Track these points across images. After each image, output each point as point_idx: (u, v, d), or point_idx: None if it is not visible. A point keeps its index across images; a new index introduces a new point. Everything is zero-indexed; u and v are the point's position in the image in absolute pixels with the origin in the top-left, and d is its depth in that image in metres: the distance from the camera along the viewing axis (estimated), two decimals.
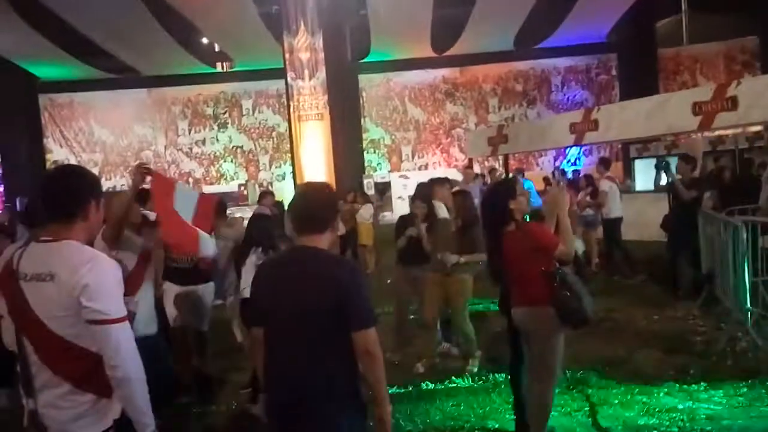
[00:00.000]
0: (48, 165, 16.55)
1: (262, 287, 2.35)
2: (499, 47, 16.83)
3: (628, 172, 13.51)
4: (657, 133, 7.90)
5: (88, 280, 1.95)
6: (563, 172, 8.30)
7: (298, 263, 2.27)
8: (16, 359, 2.82)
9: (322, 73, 13.14)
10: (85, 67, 15.44)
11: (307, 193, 2.43)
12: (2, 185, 15.75)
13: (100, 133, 17.38)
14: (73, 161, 16.71)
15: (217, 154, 17.85)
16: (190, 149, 17.77)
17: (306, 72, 13.11)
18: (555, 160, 17.16)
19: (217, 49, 16.10)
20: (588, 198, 8.23)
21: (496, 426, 3.75)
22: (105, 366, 1.97)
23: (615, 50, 17.09)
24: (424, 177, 11.59)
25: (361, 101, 17.30)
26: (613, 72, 17.58)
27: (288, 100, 13.52)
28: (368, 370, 2.19)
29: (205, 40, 15.70)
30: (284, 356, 2.24)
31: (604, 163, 8.71)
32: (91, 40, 14.18)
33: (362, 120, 17.27)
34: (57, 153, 17.07)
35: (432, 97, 17.91)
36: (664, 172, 6.71)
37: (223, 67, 17.15)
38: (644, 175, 11.37)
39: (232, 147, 17.87)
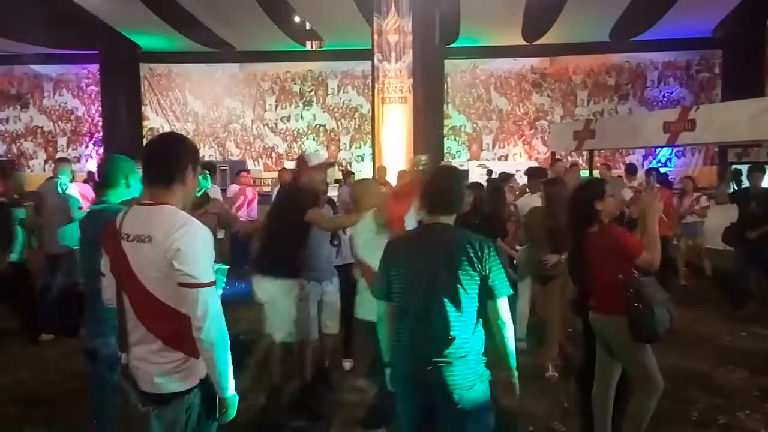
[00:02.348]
0: (144, 132, 17.41)
1: (394, 263, 2.49)
2: (593, 38, 16.17)
3: (724, 177, 12.75)
4: (762, 137, 7.42)
5: (180, 244, 2.06)
6: (659, 174, 7.87)
7: (433, 239, 2.42)
8: (80, 311, 3.01)
9: (408, 57, 13.10)
10: (183, 39, 16.07)
11: (440, 175, 2.59)
12: (102, 148, 16.73)
13: (193, 104, 18.12)
14: (167, 129, 17.56)
15: (301, 131, 18.22)
16: (275, 125, 18.23)
17: (393, 54, 13.11)
18: (644, 159, 16.41)
19: (308, 28, 16.34)
20: (696, 206, 7.81)
21: (564, 430, 3.68)
22: (193, 328, 2.08)
23: (720, 47, 16.03)
24: (504, 168, 11.32)
25: (445, 87, 17.13)
26: (716, 70, 16.53)
27: (373, 81, 13.57)
28: (501, 336, 2.38)
29: (297, 19, 15.97)
30: (418, 328, 2.38)
31: (630, 170, 8.23)
32: (191, 13, 14.74)
33: (445, 106, 17.11)
34: (153, 121, 17.94)
35: (518, 86, 17.50)
36: (733, 180, 6.37)
37: (312, 46, 17.40)
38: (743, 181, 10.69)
39: (316, 125, 18.19)
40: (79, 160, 17.00)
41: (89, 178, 9.47)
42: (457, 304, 2.31)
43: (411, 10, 13.01)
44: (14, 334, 5.96)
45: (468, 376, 2.32)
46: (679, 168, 14.54)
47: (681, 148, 15.27)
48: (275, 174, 15.12)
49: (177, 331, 2.11)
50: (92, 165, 15.83)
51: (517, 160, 16.54)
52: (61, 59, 17.19)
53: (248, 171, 9.78)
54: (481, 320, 2.39)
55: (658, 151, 15.95)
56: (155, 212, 2.16)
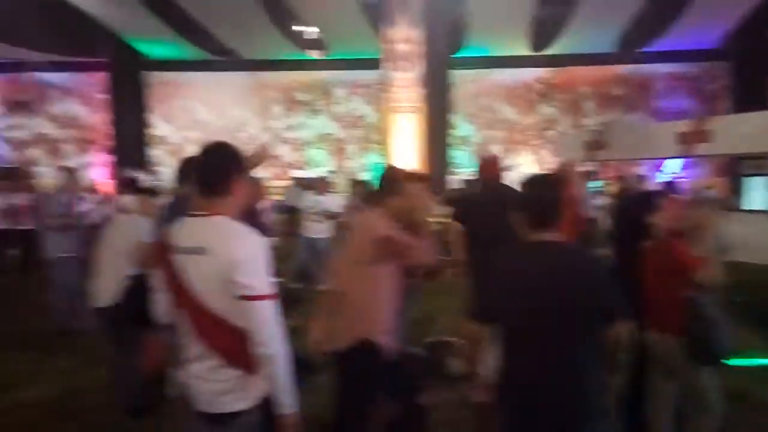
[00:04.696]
0: (150, 140, 17.36)
1: (499, 281, 2.26)
2: (600, 49, 16.22)
3: (736, 188, 12.72)
4: None
5: (238, 255, 2.00)
6: (674, 186, 7.83)
7: (543, 258, 2.16)
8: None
9: (418, 66, 13.11)
10: (191, 47, 16.08)
11: (538, 186, 2.31)
12: (109, 156, 16.67)
13: (200, 113, 18.09)
14: (174, 138, 17.54)
15: (307, 140, 18.20)
16: (282, 134, 18.21)
17: (402, 64, 13.12)
18: (654, 170, 16.40)
19: (315, 37, 16.36)
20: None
21: None
22: (251, 343, 2.02)
23: (727, 58, 16.08)
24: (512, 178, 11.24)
25: (452, 97, 17.14)
26: (723, 81, 16.57)
27: (381, 91, 13.57)
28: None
29: (304, 28, 15.99)
30: (528, 354, 2.16)
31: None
32: (198, 21, 14.75)
33: (451, 116, 17.12)
34: (161, 129, 17.90)
35: (525, 96, 17.52)
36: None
37: (319, 55, 17.42)
38: (756, 193, 10.67)
39: (322, 134, 18.17)
40: (84, 168, 16.96)
41: (122, 183, 9.28)
42: (574, 328, 2.09)
43: (420, 20, 13.04)
44: (32, 343, 5.92)
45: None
46: (688, 179, 14.51)
47: (689, 160, 15.25)
48: (282, 183, 15.10)
49: (234, 347, 2.04)
50: (97, 173, 15.76)
51: (525, 171, 16.52)
52: (69, 67, 17.17)
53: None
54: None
55: (665, 162, 15.95)
56: (209, 224, 2.09)
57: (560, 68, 17.13)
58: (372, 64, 14.12)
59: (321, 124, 18.17)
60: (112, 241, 4.20)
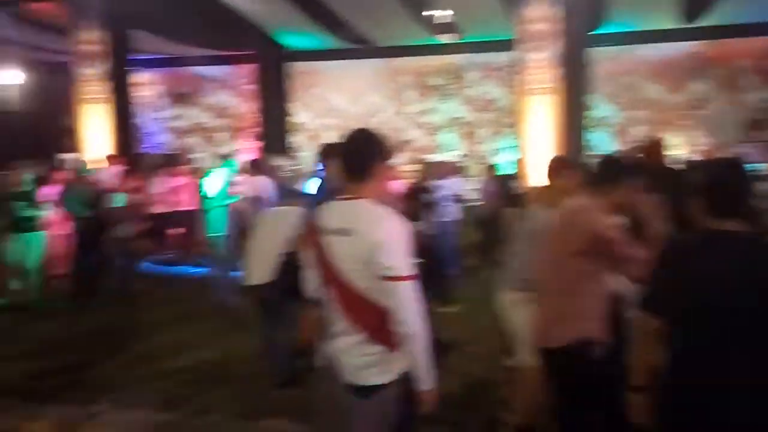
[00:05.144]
0: (291, 128, 18.40)
1: (679, 272, 2.07)
2: (761, 18, 14.60)
3: None
4: None
5: (380, 236, 2.14)
6: None
7: (733, 250, 1.99)
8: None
9: (554, 46, 12.65)
10: (327, 37, 16.74)
11: (723, 171, 2.10)
12: (259, 143, 17.90)
13: (336, 100, 18.83)
14: (313, 125, 18.46)
15: (439, 124, 18.29)
16: (415, 118, 18.46)
17: (537, 44, 12.73)
18: None
19: (447, 21, 16.31)
20: None
21: None
22: (393, 321, 2.17)
23: None
24: None
25: (590, 76, 16.34)
26: None
27: (515, 73, 13.27)
28: None
29: (436, 12, 15.99)
30: (712, 354, 1.98)
31: None
32: (336, 12, 15.31)
33: (589, 96, 16.34)
34: (300, 116, 18.89)
35: (673, 73, 16.27)
36: None
37: (451, 39, 17.36)
38: None
39: (454, 118, 18.18)
40: (236, 154, 18.36)
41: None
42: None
43: None
44: (194, 315, 6.64)
45: None
46: None
47: None
48: (413, 167, 15.34)
49: (377, 324, 2.20)
50: (248, 157, 16.98)
51: (675, 153, 15.39)
52: (222, 60, 18.61)
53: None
54: None
55: None
56: (354, 206, 2.25)
57: (714, 40, 15.67)
58: (505, 46, 13.84)
59: (452, 108, 18.16)
60: (265, 222, 4.62)
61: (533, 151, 12.32)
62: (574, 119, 13.46)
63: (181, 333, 6.17)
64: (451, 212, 8.07)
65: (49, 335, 6.21)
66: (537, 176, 8.23)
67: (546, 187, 3.68)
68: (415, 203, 6.16)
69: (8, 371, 5.19)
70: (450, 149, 17.85)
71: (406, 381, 2.23)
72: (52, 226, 7.98)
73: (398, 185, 8.89)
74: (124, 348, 5.73)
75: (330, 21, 15.78)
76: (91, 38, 12.69)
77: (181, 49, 17.35)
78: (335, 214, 2.30)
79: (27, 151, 12.81)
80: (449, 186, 8.19)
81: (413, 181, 7.65)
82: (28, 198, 7.15)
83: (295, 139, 18.52)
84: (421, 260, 2.42)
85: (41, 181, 8.21)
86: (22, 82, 21.64)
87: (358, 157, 2.28)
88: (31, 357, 5.55)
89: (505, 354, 4.08)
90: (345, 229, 2.21)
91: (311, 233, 2.37)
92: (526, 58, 12.84)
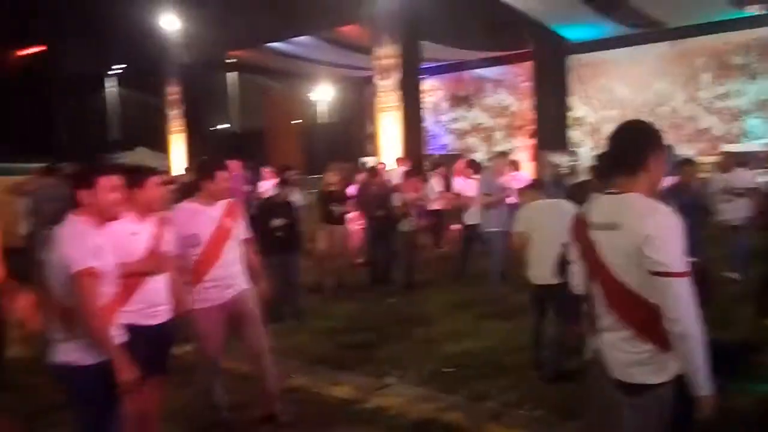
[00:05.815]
0: (569, 122, 17.95)
1: None
2: None
3: None
4: None
5: (650, 231, 2.05)
6: None
7: None
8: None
9: None
10: (611, 25, 15.87)
11: None
12: (533, 139, 17.94)
13: (618, 90, 17.77)
14: (592, 118, 17.73)
15: (742, 108, 15.95)
16: (711, 104, 16.41)
17: None
18: None
19: None
20: None
21: None
22: (664, 319, 2.07)
23: None
24: None
25: None
26: None
27: None
28: None
29: None
30: None
31: None
32: None
33: None
34: (579, 110, 18.31)
35: None
36: None
37: (761, 10, 14.97)
38: None
39: (763, 100, 15.66)
40: (513, 152, 18.63)
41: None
42: None
43: None
44: (474, 306, 7.03)
45: None
46: None
47: None
48: (709, 159, 13.65)
49: (647, 321, 2.12)
50: (523, 156, 17.09)
51: None
52: (499, 61, 19.08)
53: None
54: None
55: None
56: (623, 200, 2.20)
57: None
58: None
59: (761, 88, 15.64)
60: (542, 221, 4.73)
61: None
62: None
63: (456, 321, 6.59)
64: (732, 209, 7.09)
65: (351, 315, 7.18)
66: None
67: None
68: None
69: (321, 343, 6.16)
70: (757, 137, 15.42)
71: (682, 383, 2.11)
72: (352, 220, 9.22)
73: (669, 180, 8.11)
74: (409, 332, 6.35)
75: (614, 7, 14.94)
76: (387, 53, 14.18)
77: (462, 54, 18.28)
78: (604, 208, 2.28)
79: (337, 155, 15.02)
80: (727, 180, 7.20)
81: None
82: (337, 196, 8.35)
83: (574, 134, 18.00)
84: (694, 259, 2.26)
85: (346, 181, 9.52)
86: (332, 96, 25.29)
87: (628, 149, 2.23)
88: (336, 332, 6.49)
89: None
90: (613, 223, 2.18)
91: (579, 227, 2.39)
92: None
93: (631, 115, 17.51)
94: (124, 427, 3.03)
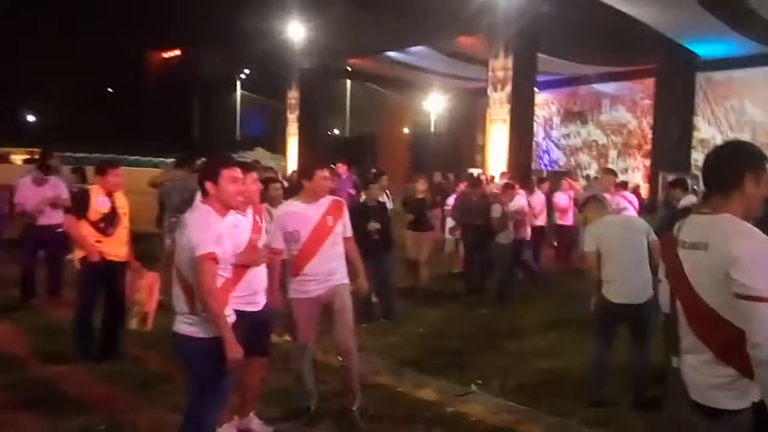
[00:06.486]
0: (694, 143, 16.92)
1: None
2: None
3: None
4: None
5: (738, 253, 2.00)
6: None
7: None
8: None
9: None
10: (748, 42, 14.82)
11: None
12: (650, 159, 17.10)
13: (751, 112, 16.50)
14: (718, 140, 16.57)
15: None
16: None
17: None
18: None
19: None
20: None
21: None
22: (747, 344, 2.00)
23: None
24: None
25: None
26: None
27: None
28: None
29: None
30: None
31: None
32: (756, 12, 13.44)
33: None
34: (704, 131, 17.20)
35: None
36: None
37: None
38: None
39: None
40: (626, 172, 17.81)
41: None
42: None
43: None
44: (558, 325, 6.88)
45: None
46: None
47: None
48: None
49: (729, 344, 2.06)
50: (638, 176, 16.35)
51: None
52: (618, 76, 18.35)
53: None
54: None
55: None
56: (713, 221, 2.16)
57: None
58: None
59: None
60: (617, 237, 4.59)
61: None
62: None
63: (546, 338, 6.47)
64: None
65: (442, 322, 7.24)
66: None
67: None
68: None
69: (410, 346, 6.27)
70: None
71: (762, 411, 2.02)
72: (452, 230, 9.30)
73: None
74: (498, 343, 6.33)
75: (750, 23, 13.93)
76: (502, 65, 14.14)
77: (578, 68, 17.76)
78: (694, 227, 2.25)
79: (445, 164, 15.14)
80: None
81: None
82: (423, 204, 8.41)
83: (696, 156, 16.92)
84: None
85: (439, 189, 9.64)
86: (444, 106, 25.47)
87: (720, 169, 2.19)
88: (426, 337, 6.58)
89: None
90: (700, 243, 2.14)
91: (668, 246, 2.36)
92: None
93: (763, 139, 16.22)
94: (228, 397, 3.35)
